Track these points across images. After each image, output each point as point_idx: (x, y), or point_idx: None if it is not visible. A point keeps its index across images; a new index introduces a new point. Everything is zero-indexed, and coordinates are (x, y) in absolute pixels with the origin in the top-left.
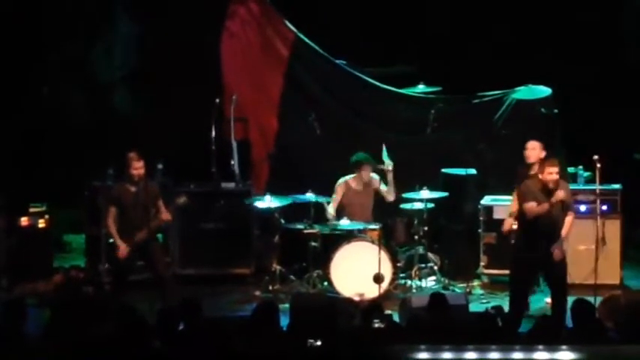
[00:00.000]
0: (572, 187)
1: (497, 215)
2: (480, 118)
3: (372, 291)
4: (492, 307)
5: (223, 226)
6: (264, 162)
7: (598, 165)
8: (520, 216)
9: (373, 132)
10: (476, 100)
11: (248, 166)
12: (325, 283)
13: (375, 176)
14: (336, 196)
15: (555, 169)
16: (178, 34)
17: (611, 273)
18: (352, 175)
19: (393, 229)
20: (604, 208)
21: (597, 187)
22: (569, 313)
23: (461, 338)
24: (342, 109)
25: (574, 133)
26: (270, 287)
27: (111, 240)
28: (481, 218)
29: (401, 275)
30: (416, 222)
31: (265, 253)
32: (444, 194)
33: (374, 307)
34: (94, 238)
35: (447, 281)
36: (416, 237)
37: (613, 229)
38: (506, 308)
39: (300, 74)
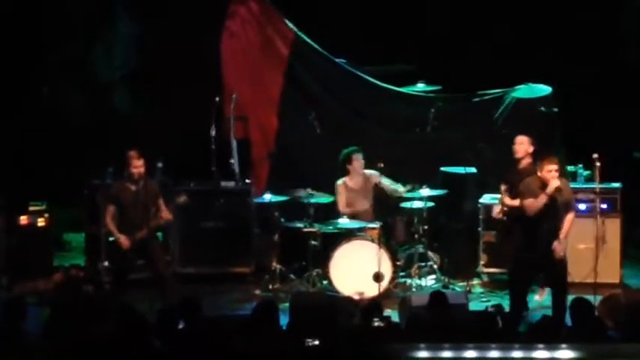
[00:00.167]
0: (572, 185)
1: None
2: (479, 116)
3: (371, 290)
4: (492, 306)
5: (223, 224)
6: (264, 161)
7: (598, 164)
8: (520, 215)
9: (373, 131)
10: (476, 99)
11: (248, 165)
12: (325, 282)
13: (373, 172)
14: (341, 197)
15: (555, 167)
16: (178, 34)
17: (610, 272)
18: (347, 177)
19: (392, 228)
20: (604, 206)
21: (597, 185)
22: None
23: (461, 337)
24: (342, 107)
25: (574, 131)
26: (270, 286)
27: (111, 238)
28: (481, 217)
29: (401, 274)
30: (416, 221)
31: (265, 252)
32: (444, 191)
33: (374, 305)
34: (93, 236)
35: (446, 280)
36: (416, 236)
37: (613, 227)
38: (506, 307)
39: (300, 73)
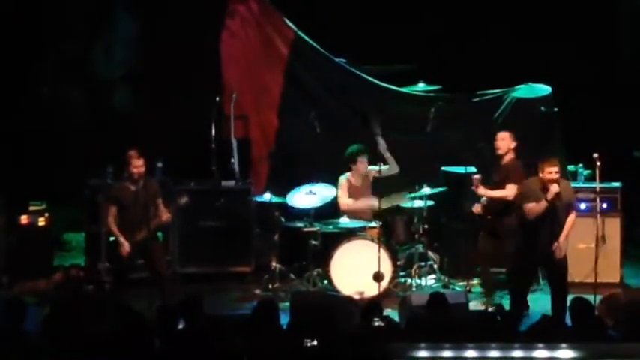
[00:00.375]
0: (573, 185)
1: None
2: (480, 116)
3: (372, 289)
4: (492, 306)
5: (223, 224)
6: (264, 160)
7: (598, 163)
8: (521, 216)
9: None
10: (476, 99)
11: (248, 165)
12: (325, 282)
13: (370, 167)
14: (343, 191)
15: (555, 169)
16: (178, 33)
17: (611, 271)
18: (350, 173)
19: (393, 228)
20: (604, 206)
21: (597, 185)
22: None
23: (461, 336)
24: (342, 107)
25: (574, 131)
26: (270, 285)
27: (111, 238)
28: None
29: (401, 273)
30: (416, 220)
31: (265, 252)
32: (443, 189)
33: (374, 305)
34: (93, 236)
35: (446, 279)
36: (416, 235)
37: (613, 227)
38: (506, 306)
39: (300, 73)
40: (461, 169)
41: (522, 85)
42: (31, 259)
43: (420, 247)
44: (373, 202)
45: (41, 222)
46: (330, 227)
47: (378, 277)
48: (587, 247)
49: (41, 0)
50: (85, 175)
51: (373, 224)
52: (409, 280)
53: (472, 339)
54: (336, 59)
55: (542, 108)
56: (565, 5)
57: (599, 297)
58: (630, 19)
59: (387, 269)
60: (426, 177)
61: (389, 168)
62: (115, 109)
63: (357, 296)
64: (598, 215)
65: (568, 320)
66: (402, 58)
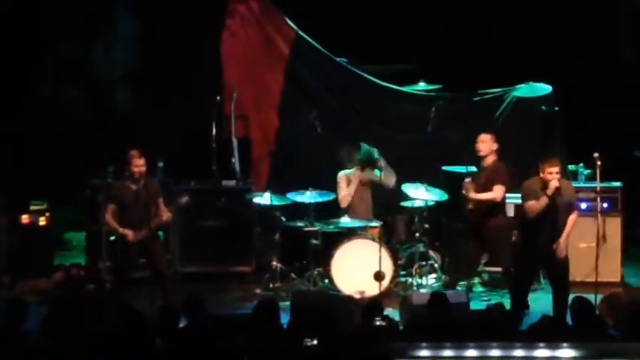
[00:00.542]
0: (573, 184)
1: None
2: (480, 115)
3: (372, 289)
4: (493, 305)
5: (224, 223)
6: (264, 159)
7: (598, 162)
8: (522, 215)
9: (374, 130)
10: (476, 98)
11: (249, 164)
12: (326, 281)
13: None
14: (342, 186)
15: (555, 169)
16: (178, 33)
17: (611, 271)
18: (352, 171)
19: (393, 227)
20: (605, 205)
21: (598, 184)
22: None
23: (462, 336)
24: (343, 107)
25: (575, 130)
26: (271, 285)
27: (112, 237)
28: None
29: (401, 273)
30: (416, 219)
31: (266, 251)
32: (443, 193)
33: (374, 304)
34: (94, 235)
35: (447, 279)
36: (416, 234)
37: (613, 226)
38: (507, 306)
39: (300, 72)
40: (461, 169)
41: (523, 85)
42: (32, 259)
43: (421, 247)
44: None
45: (42, 221)
46: (331, 227)
47: (378, 276)
48: (587, 246)
49: (41, 0)
50: (86, 175)
51: (374, 223)
52: (410, 280)
53: (473, 338)
54: (337, 59)
55: (543, 107)
56: (565, 5)
57: (599, 296)
58: (630, 19)
59: (387, 269)
60: (426, 176)
61: (385, 175)
62: (116, 108)
63: (357, 296)
64: (599, 215)
65: (569, 320)
66: (402, 58)
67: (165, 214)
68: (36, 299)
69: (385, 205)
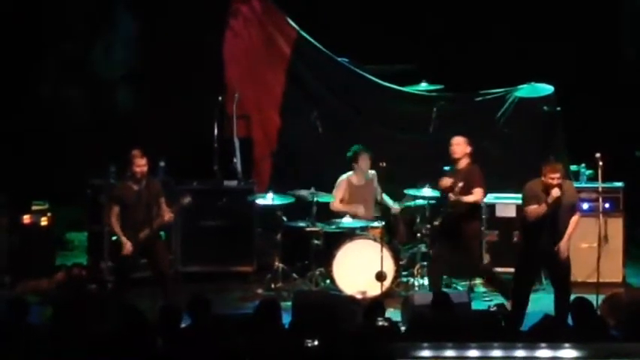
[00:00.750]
0: (575, 185)
1: (499, 213)
2: (482, 116)
3: (374, 289)
4: (495, 305)
5: (226, 223)
6: (266, 160)
7: (600, 163)
8: (523, 217)
9: (375, 130)
10: (478, 98)
11: (250, 164)
12: (327, 281)
13: (372, 172)
14: (338, 191)
15: (557, 175)
16: (179, 32)
17: (613, 271)
18: (352, 172)
19: (395, 227)
20: (606, 206)
21: (600, 185)
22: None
23: (463, 336)
24: (345, 107)
25: (576, 131)
26: (273, 285)
27: (114, 237)
28: (483, 216)
29: (403, 273)
30: (418, 220)
31: (267, 251)
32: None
33: (376, 305)
34: (96, 235)
35: (449, 279)
36: (418, 235)
37: (615, 227)
38: (508, 306)
39: (302, 72)
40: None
41: (525, 85)
42: (34, 259)
43: (423, 247)
44: (358, 209)
45: (43, 221)
46: (333, 227)
47: (380, 276)
48: (589, 246)
49: (41, 0)
50: (88, 175)
51: (376, 224)
52: (411, 280)
53: (475, 339)
54: (339, 59)
55: (545, 108)
56: (565, 5)
57: (601, 297)
58: (630, 19)
59: (389, 269)
60: (428, 177)
61: (388, 205)
62: (117, 108)
63: (359, 296)
64: (600, 215)
65: (570, 320)
66: (402, 58)
67: (167, 215)
68: (37, 299)
69: (387, 205)
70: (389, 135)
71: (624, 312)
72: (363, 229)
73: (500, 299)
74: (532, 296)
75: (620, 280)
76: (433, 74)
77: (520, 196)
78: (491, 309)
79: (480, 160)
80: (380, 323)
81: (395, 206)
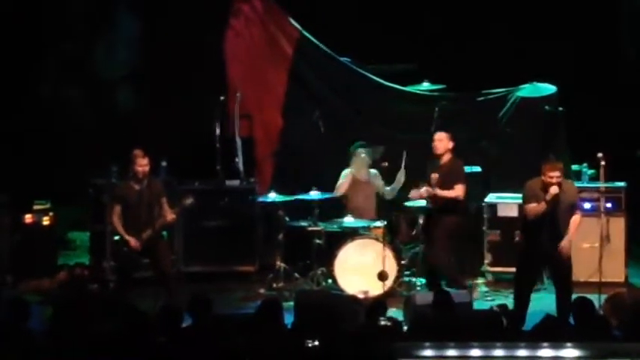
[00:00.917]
0: (577, 184)
1: (501, 213)
2: (484, 115)
3: (376, 288)
4: (497, 305)
5: (227, 223)
6: (268, 159)
7: (602, 163)
8: (523, 216)
9: (377, 130)
10: (480, 98)
11: (252, 164)
12: (329, 281)
13: (374, 171)
14: (343, 181)
15: (556, 174)
16: (180, 32)
17: (615, 271)
18: (353, 167)
19: (397, 227)
20: (608, 205)
21: (601, 184)
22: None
23: (465, 336)
24: (346, 106)
25: (578, 130)
26: (274, 285)
27: (116, 237)
28: (485, 216)
29: (405, 273)
30: (420, 220)
31: (269, 251)
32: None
33: (378, 304)
34: (98, 235)
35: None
36: (420, 234)
37: (617, 226)
38: (510, 306)
39: (304, 72)
40: (465, 169)
41: (527, 85)
42: (36, 258)
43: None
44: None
45: (45, 221)
46: (335, 226)
47: (382, 276)
48: (591, 246)
49: (41, 0)
50: (89, 174)
51: (377, 223)
52: (413, 280)
53: (477, 338)
54: (341, 59)
55: (547, 107)
56: (565, 5)
57: (603, 296)
58: (630, 19)
59: (391, 268)
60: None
61: (390, 189)
62: (118, 108)
63: (361, 295)
64: (602, 215)
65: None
66: (401, 58)
67: (170, 215)
68: (39, 299)
69: (389, 204)
70: (390, 135)
71: (627, 312)
72: (365, 228)
73: (500, 299)
74: (533, 296)
75: (622, 279)
76: (433, 74)
77: (520, 195)
78: (493, 309)
79: (481, 160)
80: (383, 323)
81: (387, 190)
